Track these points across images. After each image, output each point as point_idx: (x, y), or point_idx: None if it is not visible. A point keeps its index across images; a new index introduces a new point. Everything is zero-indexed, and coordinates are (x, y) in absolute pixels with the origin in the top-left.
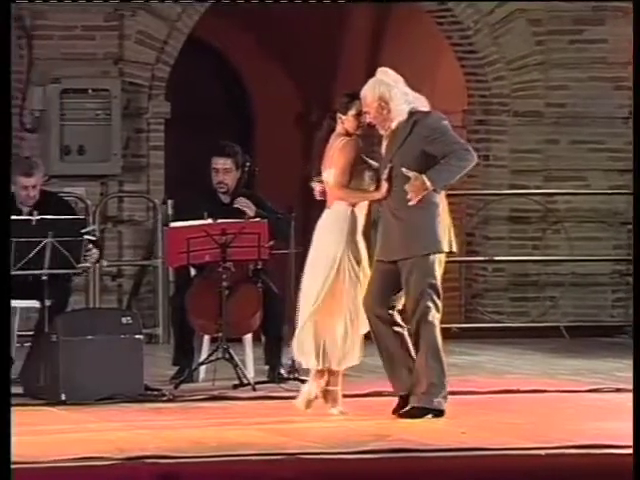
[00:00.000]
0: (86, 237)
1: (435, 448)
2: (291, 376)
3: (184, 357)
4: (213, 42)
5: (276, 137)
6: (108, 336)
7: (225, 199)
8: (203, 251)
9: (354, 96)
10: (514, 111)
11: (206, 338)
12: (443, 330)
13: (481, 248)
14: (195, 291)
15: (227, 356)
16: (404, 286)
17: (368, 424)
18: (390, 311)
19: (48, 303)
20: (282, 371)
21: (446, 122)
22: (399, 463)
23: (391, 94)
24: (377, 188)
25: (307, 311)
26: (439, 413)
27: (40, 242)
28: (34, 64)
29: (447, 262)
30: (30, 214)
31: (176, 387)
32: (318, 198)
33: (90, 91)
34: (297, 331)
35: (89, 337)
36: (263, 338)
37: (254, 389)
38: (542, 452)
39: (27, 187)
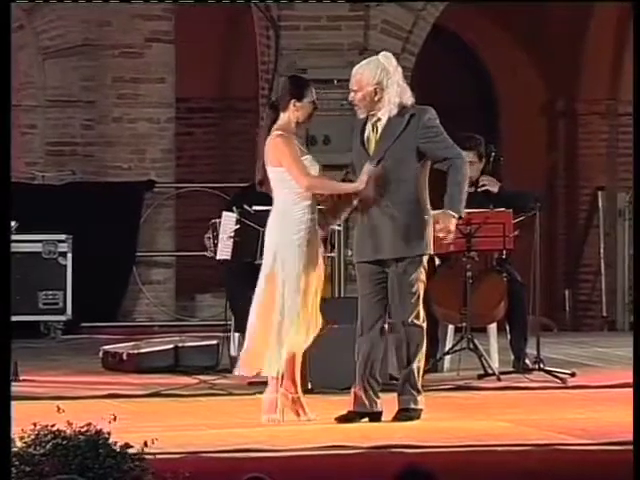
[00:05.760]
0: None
1: None
2: (536, 367)
3: (429, 347)
4: (457, 31)
5: (521, 127)
6: (354, 325)
7: (469, 189)
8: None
9: (308, 83)
10: None
11: (450, 328)
12: None
13: None
14: (439, 281)
15: (472, 346)
16: (395, 285)
17: (611, 415)
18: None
19: None
20: (527, 361)
21: (438, 120)
22: None
23: (388, 83)
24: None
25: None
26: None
27: None
28: (281, 54)
29: None
30: None
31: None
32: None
33: (335, 81)
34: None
35: (335, 326)
36: (508, 328)
37: (499, 379)
38: None
39: None
